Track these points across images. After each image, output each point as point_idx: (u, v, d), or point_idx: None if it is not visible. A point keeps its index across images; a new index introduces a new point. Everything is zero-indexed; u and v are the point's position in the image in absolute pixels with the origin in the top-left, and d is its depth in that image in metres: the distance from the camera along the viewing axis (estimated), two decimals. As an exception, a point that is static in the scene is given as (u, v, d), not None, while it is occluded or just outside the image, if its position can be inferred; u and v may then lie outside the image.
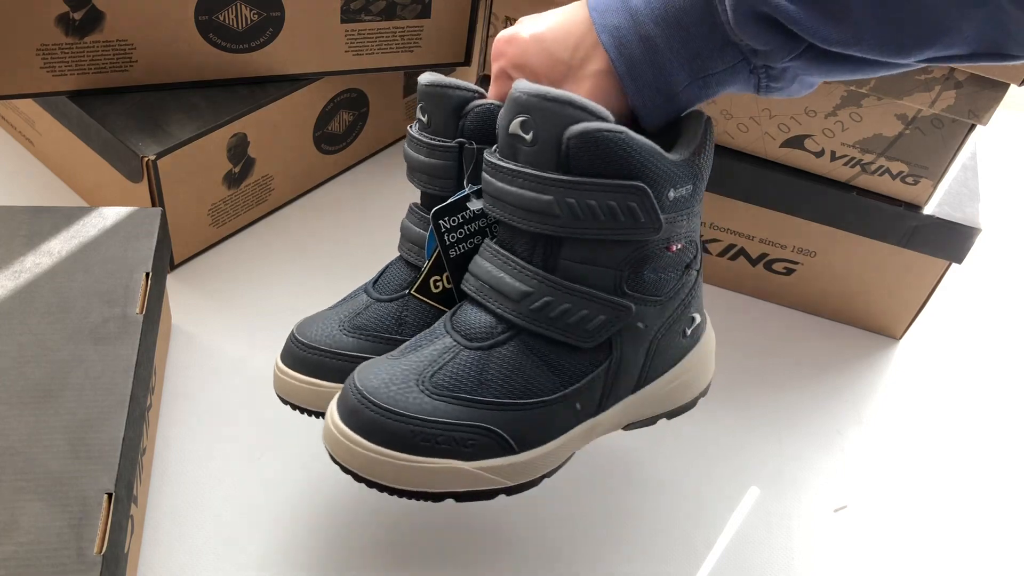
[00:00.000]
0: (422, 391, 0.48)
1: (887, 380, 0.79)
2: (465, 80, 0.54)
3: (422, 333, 0.52)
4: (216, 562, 0.59)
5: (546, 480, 0.54)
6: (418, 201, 0.58)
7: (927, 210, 0.74)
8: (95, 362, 0.56)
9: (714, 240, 0.81)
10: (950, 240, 0.74)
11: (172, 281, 0.75)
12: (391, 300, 0.57)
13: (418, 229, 0.57)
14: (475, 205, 0.53)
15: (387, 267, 0.60)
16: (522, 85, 0.47)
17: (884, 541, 0.67)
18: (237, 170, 0.76)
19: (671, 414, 0.58)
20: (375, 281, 0.59)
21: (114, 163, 0.72)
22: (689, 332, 0.55)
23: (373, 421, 0.47)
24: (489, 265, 0.50)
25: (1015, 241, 0.97)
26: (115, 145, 0.70)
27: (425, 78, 0.54)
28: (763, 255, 0.80)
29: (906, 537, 0.68)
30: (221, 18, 0.72)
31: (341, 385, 0.55)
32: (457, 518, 0.63)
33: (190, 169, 0.72)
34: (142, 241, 0.63)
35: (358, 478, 0.49)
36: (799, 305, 0.83)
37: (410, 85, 0.88)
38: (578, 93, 0.48)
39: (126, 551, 0.53)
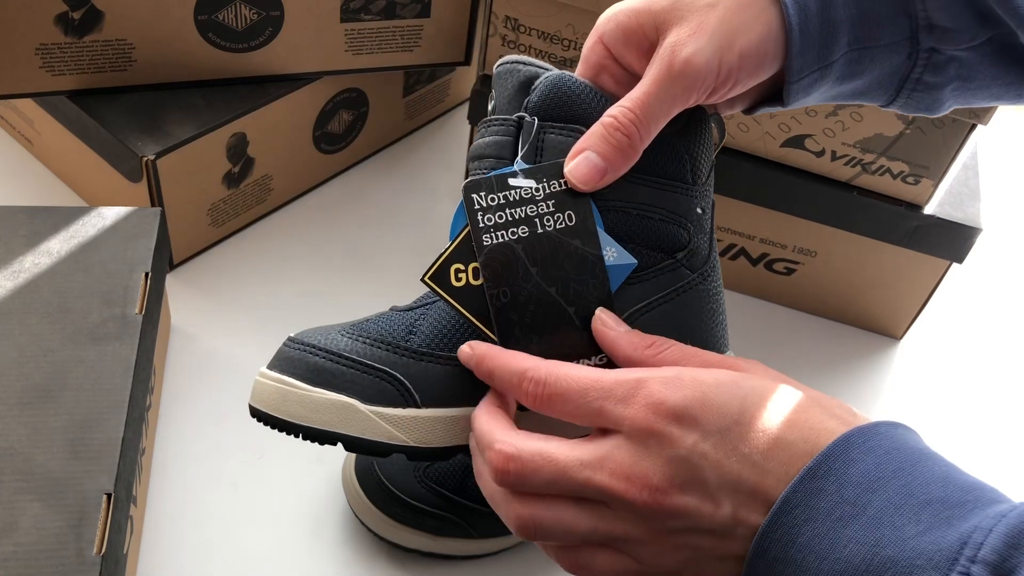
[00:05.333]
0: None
1: (887, 380, 0.79)
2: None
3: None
4: (216, 562, 0.59)
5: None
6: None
7: (928, 210, 0.74)
8: (95, 362, 0.56)
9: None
10: (951, 240, 0.74)
11: (172, 281, 0.75)
12: (409, 309, 0.47)
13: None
14: (521, 183, 0.42)
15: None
16: None
17: (885, 541, 0.67)
18: (237, 170, 0.76)
19: None
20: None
21: (113, 163, 0.72)
22: None
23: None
24: None
25: (1016, 241, 0.97)
26: (114, 145, 0.70)
27: (499, 61, 0.46)
28: (763, 255, 0.80)
29: (907, 537, 0.68)
30: (221, 18, 0.72)
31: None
32: (457, 518, 0.63)
33: (190, 169, 0.72)
34: (141, 241, 0.63)
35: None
36: (799, 305, 0.83)
37: (410, 85, 0.88)
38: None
39: (126, 551, 0.53)
